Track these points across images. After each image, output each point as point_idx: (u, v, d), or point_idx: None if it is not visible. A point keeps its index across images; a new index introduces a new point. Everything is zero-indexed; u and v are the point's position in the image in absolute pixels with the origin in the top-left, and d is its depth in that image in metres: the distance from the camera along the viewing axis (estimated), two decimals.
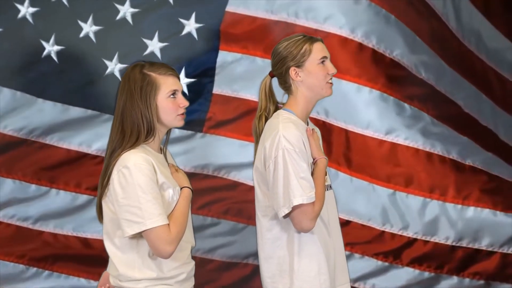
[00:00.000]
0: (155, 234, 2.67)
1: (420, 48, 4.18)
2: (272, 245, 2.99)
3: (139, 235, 2.72)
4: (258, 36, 4.08)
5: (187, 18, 4.05)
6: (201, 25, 4.04)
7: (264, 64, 4.07)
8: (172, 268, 2.78)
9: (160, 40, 4.04)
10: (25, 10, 4.06)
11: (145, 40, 4.04)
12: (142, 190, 2.67)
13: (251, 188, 3.56)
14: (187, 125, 3.86)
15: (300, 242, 2.95)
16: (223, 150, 4.15)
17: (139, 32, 4.06)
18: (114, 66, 4.05)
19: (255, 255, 3.16)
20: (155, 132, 2.78)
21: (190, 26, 4.04)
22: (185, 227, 2.78)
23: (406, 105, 4.14)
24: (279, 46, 3.05)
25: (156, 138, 2.80)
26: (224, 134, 4.14)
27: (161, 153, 2.87)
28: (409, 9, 4.19)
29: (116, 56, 4.05)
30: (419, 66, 4.16)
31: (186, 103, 2.82)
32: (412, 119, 4.13)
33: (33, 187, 4.17)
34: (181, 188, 2.82)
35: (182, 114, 2.82)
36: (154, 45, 4.04)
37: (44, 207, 4.18)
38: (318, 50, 3.01)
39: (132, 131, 2.75)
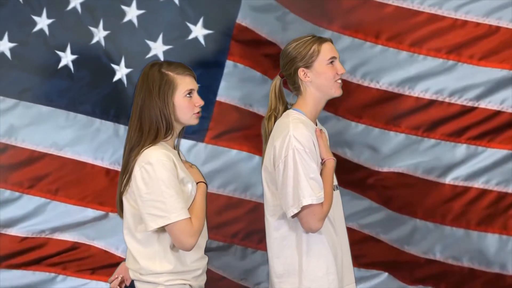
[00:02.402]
0: (179, 227, 2.76)
1: None
2: (279, 244, 2.99)
3: (161, 229, 2.80)
4: (265, 53, 4.03)
5: (195, 23, 4.02)
6: (210, 31, 4.01)
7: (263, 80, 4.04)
8: (194, 260, 2.87)
9: (165, 43, 4.00)
10: (43, 22, 4.04)
11: (149, 42, 4.00)
12: (165, 185, 2.75)
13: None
14: (189, 134, 3.84)
15: (308, 241, 2.95)
16: (225, 163, 4.10)
17: (143, 35, 4.01)
18: (122, 71, 4.01)
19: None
20: (173, 130, 2.87)
21: (197, 31, 4.01)
22: (204, 220, 2.87)
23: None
24: (288, 46, 3.05)
25: (173, 135, 2.90)
26: (226, 145, 4.09)
27: (175, 150, 2.96)
28: None
29: (123, 60, 4.02)
30: None
31: (202, 102, 2.91)
32: None
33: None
34: (196, 183, 2.91)
35: (198, 113, 2.91)
36: (158, 48, 4.00)
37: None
38: (327, 50, 3.01)
39: (151, 128, 2.83)
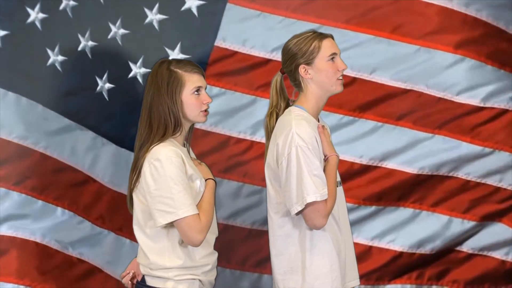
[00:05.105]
0: (187, 223, 2.80)
1: None
2: (283, 242, 3.00)
3: (170, 225, 2.85)
4: (247, 73, 3.99)
5: (173, 47, 3.96)
6: (187, 56, 3.92)
7: (247, 101, 3.99)
8: (203, 256, 2.91)
9: (145, 66, 3.95)
10: (35, 15, 3.96)
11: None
12: (173, 182, 2.80)
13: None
14: None
15: (312, 238, 2.96)
16: None
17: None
18: (138, 70, 3.95)
19: None
20: (182, 127, 2.91)
21: (174, 56, 3.92)
22: (212, 216, 2.91)
23: None
24: (289, 43, 3.06)
25: (182, 132, 2.93)
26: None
27: (185, 147, 2.99)
28: None
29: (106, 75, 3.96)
30: None
31: (210, 100, 2.95)
32: None
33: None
34: (205, 180, 2.94)
35: (205, 110, 2.95)
36: (137, 69, 3.95)
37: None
38: (327, 46, 3.00)
39: (159, 125, 2.88)
